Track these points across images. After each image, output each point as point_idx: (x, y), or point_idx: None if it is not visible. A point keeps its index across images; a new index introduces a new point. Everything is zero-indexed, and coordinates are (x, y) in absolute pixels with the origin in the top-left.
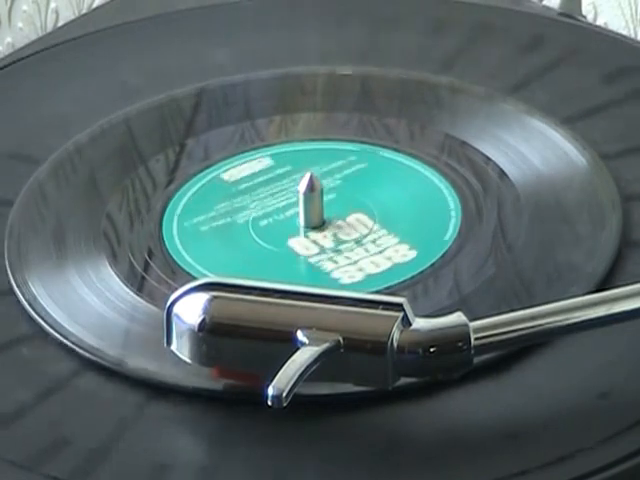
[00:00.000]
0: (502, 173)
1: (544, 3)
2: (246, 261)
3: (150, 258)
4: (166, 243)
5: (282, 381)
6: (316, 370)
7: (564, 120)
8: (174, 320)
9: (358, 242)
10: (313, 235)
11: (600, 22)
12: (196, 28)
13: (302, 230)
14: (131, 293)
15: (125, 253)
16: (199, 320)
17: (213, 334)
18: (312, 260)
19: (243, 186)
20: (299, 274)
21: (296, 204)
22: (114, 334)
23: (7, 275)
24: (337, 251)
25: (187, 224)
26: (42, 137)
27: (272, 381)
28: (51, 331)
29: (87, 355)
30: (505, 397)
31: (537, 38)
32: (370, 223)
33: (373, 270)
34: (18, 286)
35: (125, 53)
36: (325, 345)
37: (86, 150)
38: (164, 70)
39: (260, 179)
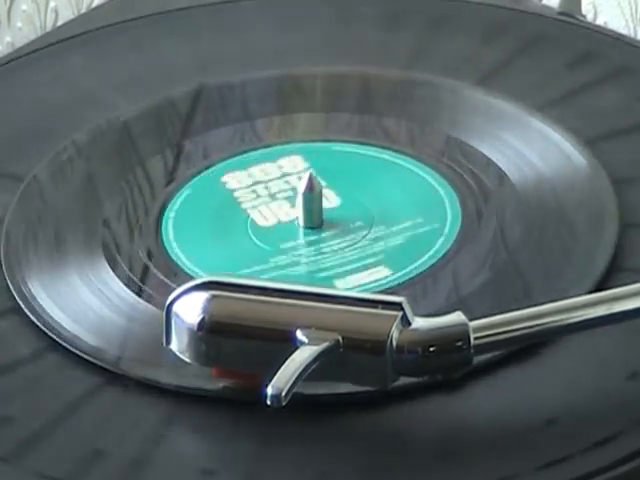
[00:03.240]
0: (502, 174)
1: (544, 2)
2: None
3: (149, 258)
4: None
5: (281, 380)
6: (315, 370)
7: (590, 140)
8: (173, 319)
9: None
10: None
11: (600, 22)
12: (195, 27)
13: (301, 230)
14: (127, 290)
15: (123, 253)
16: (198, 319)
17: (212, 333)
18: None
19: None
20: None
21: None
22: (92, 320)
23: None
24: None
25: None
26: (41, 135)
27: (271, 380)
28: (27, 311)
29: (53, 336)
30: (505, 397)
31: (586, 53)
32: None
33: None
34: (13, 282)
35: (124, 52)
36: (324, 344)
37: (84, 150)
38: (163, 70)
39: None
